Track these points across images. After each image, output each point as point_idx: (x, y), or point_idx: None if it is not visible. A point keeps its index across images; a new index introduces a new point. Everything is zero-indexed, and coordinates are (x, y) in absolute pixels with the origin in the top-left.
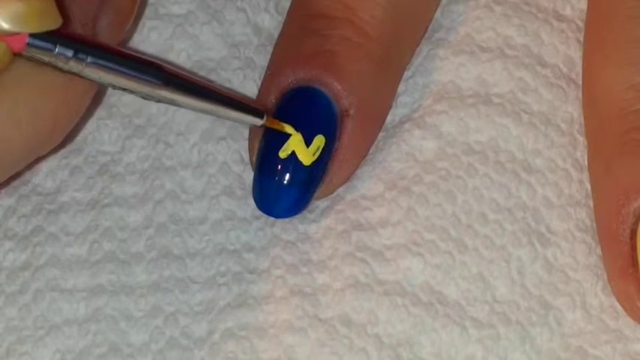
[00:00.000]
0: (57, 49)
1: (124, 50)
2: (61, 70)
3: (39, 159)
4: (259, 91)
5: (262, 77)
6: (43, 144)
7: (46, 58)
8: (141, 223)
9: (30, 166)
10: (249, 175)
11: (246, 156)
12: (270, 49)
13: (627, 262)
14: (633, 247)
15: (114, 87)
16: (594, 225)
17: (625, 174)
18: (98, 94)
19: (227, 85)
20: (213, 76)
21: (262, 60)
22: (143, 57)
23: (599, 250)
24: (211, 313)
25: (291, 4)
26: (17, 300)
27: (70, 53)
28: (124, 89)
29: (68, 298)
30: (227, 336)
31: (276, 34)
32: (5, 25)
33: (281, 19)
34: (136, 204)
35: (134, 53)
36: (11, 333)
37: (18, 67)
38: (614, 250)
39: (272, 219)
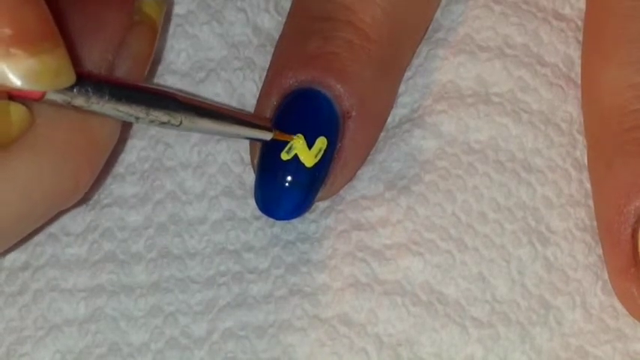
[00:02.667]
0: (75, 89)
1: (140, 84)
2: (79, 109)
3: (60, 212)
4: (260, 93)
5: (262, 78)
6: (65, 201)
7: (66, 99)
8: (141, 223)
9: (53, 219)
10: (248, 176)
11: (245, 156)
12: (269, 49)
13: (629, 262)
14: (635, 246)
15: (137, 120)
16: (594, 224)
17: (626, 173)
18: (115, 151)
19: (227, 85)
20: (213, 76)
21: (262, 60)
22: (158, 88)
23: (598, 250)
24: (211, 312)
25: (292, 6)
26: (17, 300)
27: (90, 92)
28: (137, 119)
29: (68, 298)
30: (227, 336)
31: (275, 34)
32: (18, 83)
33: (281, 19)
34: (136, 204)
35: (149, 85)
36: (11, 333)
37: (40, 129)
38: (616, 249)
39: (272, 219)
